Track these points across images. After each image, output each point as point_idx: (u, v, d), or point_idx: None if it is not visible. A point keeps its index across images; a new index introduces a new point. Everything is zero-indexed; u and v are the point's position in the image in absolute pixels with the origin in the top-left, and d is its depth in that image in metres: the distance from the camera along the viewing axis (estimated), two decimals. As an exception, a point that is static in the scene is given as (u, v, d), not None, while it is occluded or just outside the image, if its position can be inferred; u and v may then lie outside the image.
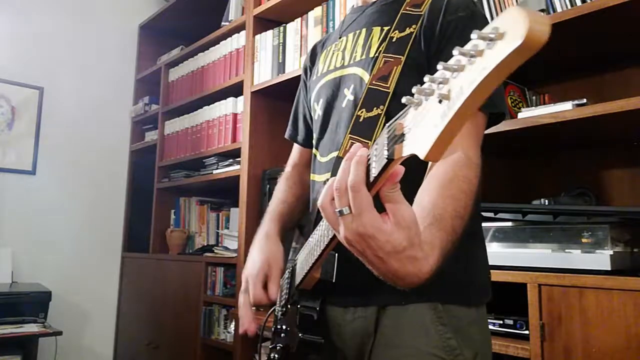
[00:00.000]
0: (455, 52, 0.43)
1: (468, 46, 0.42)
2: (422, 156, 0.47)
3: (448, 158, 0.77)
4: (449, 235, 0.67)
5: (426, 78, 0.47)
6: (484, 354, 0.90)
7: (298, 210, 1.19)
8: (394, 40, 0.94)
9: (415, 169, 0.67)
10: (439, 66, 0.45)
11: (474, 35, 0.41)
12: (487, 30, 0.40)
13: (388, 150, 0.54)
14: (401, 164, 0.55)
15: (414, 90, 0.49)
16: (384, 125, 0.88)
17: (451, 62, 0.44)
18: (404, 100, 0.51)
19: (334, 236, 0.74)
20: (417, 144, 0.49)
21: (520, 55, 0.38)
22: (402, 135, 0.51)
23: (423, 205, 0.69)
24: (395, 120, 0.54)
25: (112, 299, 3.36)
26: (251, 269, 1.04)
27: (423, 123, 0.48)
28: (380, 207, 0.59)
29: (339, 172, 0.60)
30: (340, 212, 0.59)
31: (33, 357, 2.45)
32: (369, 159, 0.59)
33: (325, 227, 0.78)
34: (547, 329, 1.26)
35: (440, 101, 0.45)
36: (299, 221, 1.17)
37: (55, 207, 3.18)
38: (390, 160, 0.54)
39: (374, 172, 0.57)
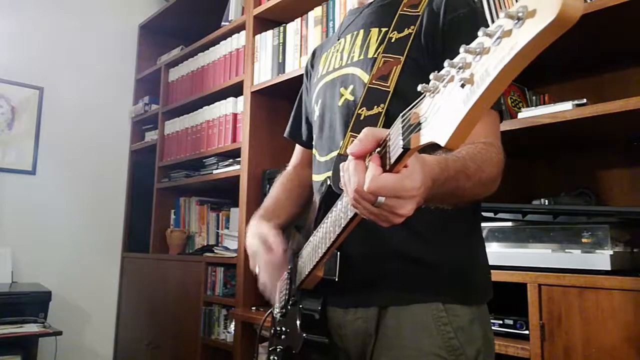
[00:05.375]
0: (480, 33, 0.42)
1: (493, 27, 0.41)
2: (442, 143, 0.47)
3: (476, 143, 0.80)
4: (456, 181, 0.71)
5: (446, 63, 0.46)
6: (486, 352, 0.91)
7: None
8: (392, 41, 0.95)
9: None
10: (461, 49, 0.44)
11: (501, 14, 0.40)
12: (514, 9, 0.39)
13: (404, 140, 0.53)
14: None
15: (431, 77, 0.48)
16: (384, 123, 0.89)
17: (473, 45, 0.43)
18: (419, 88, 0.50)
19: (340, 234, 0.75)
20: (435, 131, 0.48)
21: (554, 31, 0.37)
22: (418, 124, 0.51)
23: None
24: (410, 109, 0.54)
25: (112, 299, 3.36)
26: (254, 245, 1.06)
27: (442, 110, 0.47)
28: None
29: (347, 177, 0.64)
30: (375, 204, 0.61)
31: (33, 357, 2.44)
32: (382, 149, 0.60)
33: (330, 224, 0.77)
34: (547, 329, 1.26)
35: (462, 85, 0.44)
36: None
37: (55, 207, 3.17)
38: (406, 149, 0.54)
39: (389, 163, 0.58)
